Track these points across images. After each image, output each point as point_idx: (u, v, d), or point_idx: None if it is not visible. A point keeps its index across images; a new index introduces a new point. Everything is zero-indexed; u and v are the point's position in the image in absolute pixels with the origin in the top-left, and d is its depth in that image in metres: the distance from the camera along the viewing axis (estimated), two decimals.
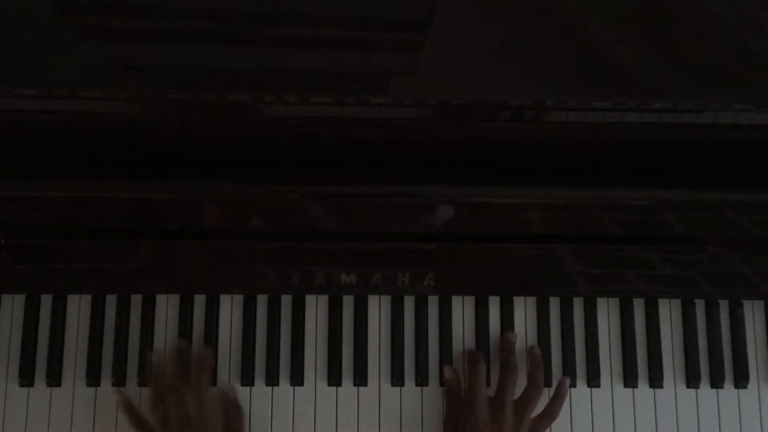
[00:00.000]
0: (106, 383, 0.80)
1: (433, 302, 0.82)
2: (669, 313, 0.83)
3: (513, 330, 0.82)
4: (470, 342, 0.82)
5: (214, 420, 0.74)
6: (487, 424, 0.74)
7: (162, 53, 0.66)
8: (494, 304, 0.83)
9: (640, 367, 0.82)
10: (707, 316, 0.83)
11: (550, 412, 0.78)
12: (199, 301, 0.82)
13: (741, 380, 0.82)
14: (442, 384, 0.81)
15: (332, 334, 0.81)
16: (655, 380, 0.82)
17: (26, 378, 0.79)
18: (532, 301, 0.83)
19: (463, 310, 0.82)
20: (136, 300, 0.81)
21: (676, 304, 0.83)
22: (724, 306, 0.83)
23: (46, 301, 0.81)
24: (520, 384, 0.80)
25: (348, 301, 0.82)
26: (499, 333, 0.82)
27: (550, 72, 0.67)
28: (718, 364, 0.82)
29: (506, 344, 0.81)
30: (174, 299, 0.82)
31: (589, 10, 0.67)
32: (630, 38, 0.67)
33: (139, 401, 0.79)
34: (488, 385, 0.81)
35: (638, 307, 0.83)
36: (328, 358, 0.81)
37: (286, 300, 0.82)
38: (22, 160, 0.70)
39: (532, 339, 0.82)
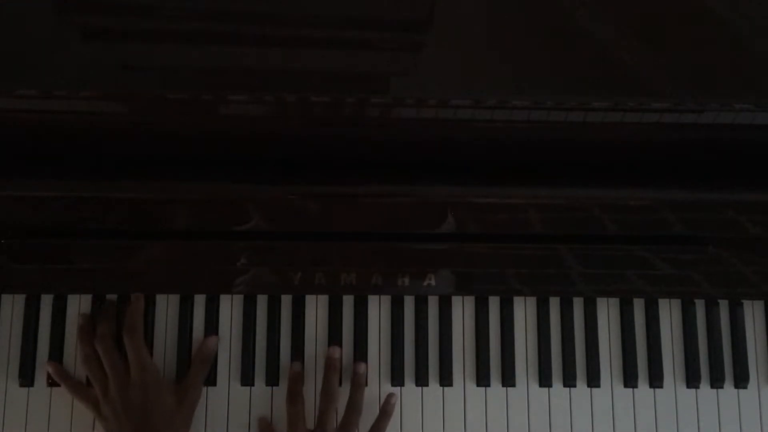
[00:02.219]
0: None
1: (433, 302, 0.82)
2: (669, 313, 0.83)
3: (515, 328, 0.82)
4: (470, 342, 0.82)
5: (153, 367, 0.76)
6: None
7: (162, 53, 0.66)
8: (494, 304, 0.83)
9: (640, 367, 0.82)
10: (707, 316, 0.83)
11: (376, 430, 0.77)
12: (199, 301, 0.82)
13: (741, 380, 0.82)
14: (442, 384, 0.81)
15: (332, 334, 0.81)
16: (655, 380, 0.82)
17: (26, 378, 0.79)
18: (532, 301, 0.83)
19: (463, 310, 0.82)
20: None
21: (676, 304, 0.83)
22: (724, 306, 0.83)
23: (46, 301, 0.81)
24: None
25: (348, 301, 0.82)
26: (499, 332, 0.82)
27: (550, 72, 0.67)
28: (718, 364, 0.82)
29: (330, 362, 0.79)
30: (174, 299, 0.82)
31: (590, 11, 0.67)
32: (630, 38, 0.67)
33: None
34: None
35: (638, 307, 0.83)
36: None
37: (286, 300, 0.82)
38: (22, 160, 0.70)
39: (533, 339, 0.82)
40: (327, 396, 0.77)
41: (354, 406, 0.77)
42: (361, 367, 0.79)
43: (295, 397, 0.77)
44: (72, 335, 0.80)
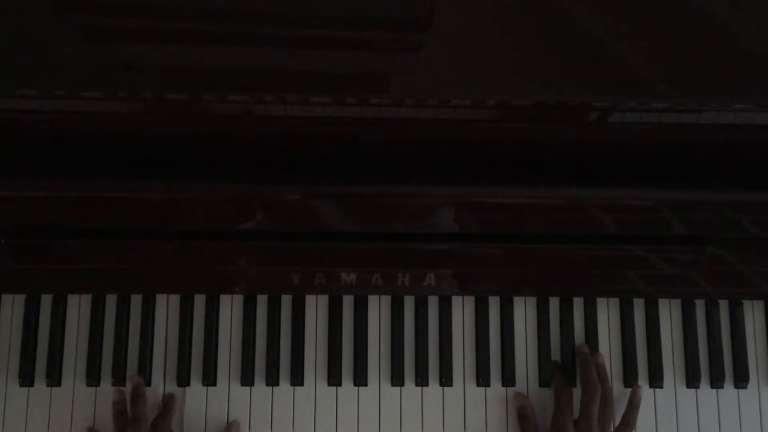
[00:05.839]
0: (106, 383, 0.80)
1: (433, 302, 0.82)
2: (669, 313, 0.83)
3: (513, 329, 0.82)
4: (470, 342, 0.82)
5: None
6: None
7: (162, 53, 0.66)
8: (494, 304, 0.83)
9: (640, 367, 0.82)
10: (707, 316, 0.83)
11: (628, 422, 0.78)
12: (199, 301, 0.82)
13: (741, 380, 0.82)
14: (441, 384, 0.81)
15: (332, 334, 0.81)
16: (655, 380, 0.82)
17: (26, 378, 0.79)
18: (532, 301, 0.83)
19: (463, 310, 0.82)
20: (136, 300, 0.81)
21: (676, 304, 0.83)
22: (724, 306, 0.83)
23: (46, 301, 0.81)
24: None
25: (348, 301, 0.82)
26: (499, 332, 0.82)
27: (550, 72, 0.67)
28: (718, 364, 0.82)
29: (582, 360, 0.80)
30: (174, 299, 0.82)
31: (590, 10, 0.67)
32: (630, 38, 0.67)
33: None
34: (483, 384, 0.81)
35: (638, 307, 0.83)
36: (328, 358, 0.81)
37: (286, 300, 0.82)
38: (22, 160, 0.69)
39: (532, 339, 0.82)
40: (590, 388, 0.77)
41: (607, 400, 0.78)
42: (600, 357, 0.81)
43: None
44: (72, 335, 0.80)
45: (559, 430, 0.76)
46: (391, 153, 0.71)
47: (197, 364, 0.81)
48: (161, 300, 0.82)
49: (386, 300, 0.82)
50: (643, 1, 0.68)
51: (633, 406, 0.79)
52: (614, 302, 0.83)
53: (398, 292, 0.81)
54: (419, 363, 0.81)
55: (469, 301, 0.83)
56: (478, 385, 0.81)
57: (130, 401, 0.78)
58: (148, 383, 0.80)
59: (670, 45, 0.67)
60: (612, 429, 0.77)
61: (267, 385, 0.81)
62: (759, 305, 0.84)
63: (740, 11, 0.68)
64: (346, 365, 0.81)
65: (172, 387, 0.80)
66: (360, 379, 0.81)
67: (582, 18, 0.67)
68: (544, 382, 0.81)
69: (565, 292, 0.83)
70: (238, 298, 0.82)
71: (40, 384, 0.80)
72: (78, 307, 0.81)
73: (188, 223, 0.73)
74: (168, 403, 0.79)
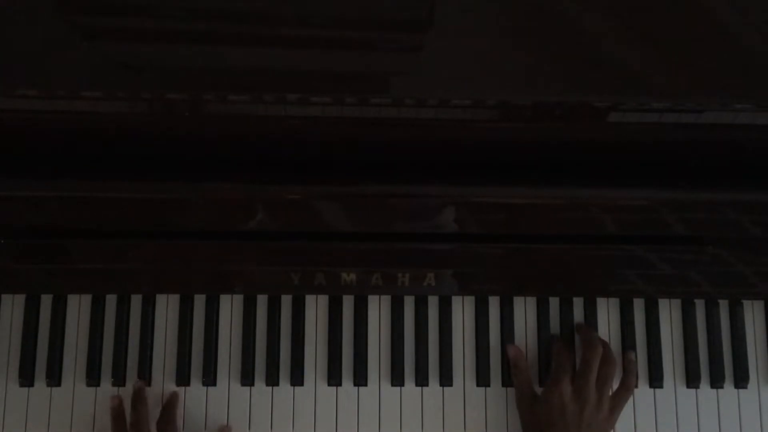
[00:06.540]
0: (106, 383, 0.80)
1: (433, 302, 0.82)
2: (669, 313, 0.83)
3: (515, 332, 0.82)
4: (470, 342, 0.82)
5: None
6: (572, 401, 0.75)
7: (162, 53, 0.66)
8: (494, 304, 0.83)
9: (641, 367, 0.82)
10: (707, 316, 0.83)
11: (627, 386, 0.79)
12: (199, 301, 0.82)
13: (741, 380, 0.82)
14: (441, 384, 0.81)
15: (332, 334, 0.81)
16: (655, 380, 0.82)
17: (26, 378, 0.79)
18: (532, 301, 0.83)
19: (463, 310, 0.82)
20: (136, 300, 0.81)
21: (676, 304, 0.83)
22: (724, 306, 0.83)
23: (46, 301, 0.81)
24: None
25: (348, 301, 0.82)
26: (499, 332, 0.82)
27: (550, 72, 0.67)
28: (718, 364, 0.82)
29: (582, 328, 0.81)
30: (174, 299, 0.82)
31: (590, 10, 0.67)
32: (630, 38, 0.67)
33: None
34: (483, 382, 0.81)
35: (638, 307, 0.83)
36: (328, 358, 0.81)
37: (286, 300, 0.82)
38: (22, 160, 0.69)
39: (532, 339, 0.82)
40: (591, 346, 0.79)
41: (608, 359, 0.79)
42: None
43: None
44: (72, 335, 0.80)
45: (556, 384, 0.76)
46: (391, 153, 0.71)
47: (197, 364, 0.81)
48: (161, 300, 0.82)
49: (386, 300, 0.82)
50: (643, 1, 0.68)
51: (629, 372, 0.80)
52: (614, 302, 0.83)
53: (398, 292, 0.81)
54: (419, 363, 0.81)
55: (469, 301, 0.83)
56: (478, 385, 0.81)
57: (131, 405, 0.77)
58: (148, 383, 0.80)
59: (670, 45, 0.67)
60: (610, 392, 0.78)
61: (267, 385, 0.81)
62: (759, 305, 0.84)
63: (740, 11, 0.68)
64: (346, 365, 0.81)
65: (171, 387, 0.80)
66: (360, 379, 0.81)
67: (582, 18, 0.67)
68: (544, 382, 0.81)
69: (565, 292, 0.83)
70: (238, 298, 0.82)
71: (40, 384, 0.80)
72: (78, 307, 0.81)
73: (188, 223, 0.73)
74: (172, 406, 0.78)
